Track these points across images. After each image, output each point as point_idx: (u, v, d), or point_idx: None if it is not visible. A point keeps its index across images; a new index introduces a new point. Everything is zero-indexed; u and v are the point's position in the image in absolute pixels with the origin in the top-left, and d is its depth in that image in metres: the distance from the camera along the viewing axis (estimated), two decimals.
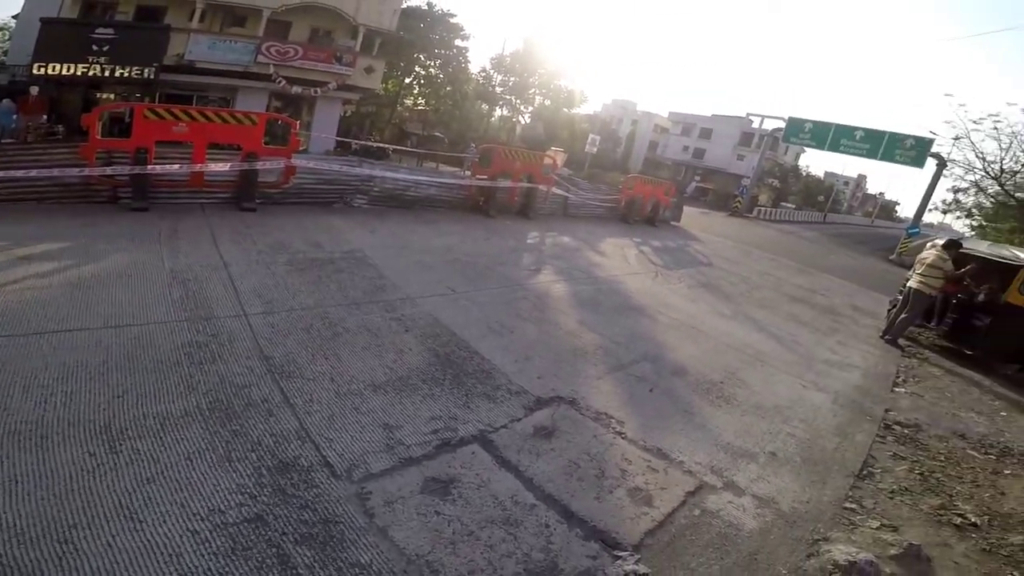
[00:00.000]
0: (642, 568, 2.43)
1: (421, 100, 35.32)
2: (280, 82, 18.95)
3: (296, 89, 19.43)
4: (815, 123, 27.67)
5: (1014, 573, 2.94)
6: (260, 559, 2.04)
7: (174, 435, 2.57)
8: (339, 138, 20.86)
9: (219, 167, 6.43)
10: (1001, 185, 22.67)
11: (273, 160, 6.96)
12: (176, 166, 6.14)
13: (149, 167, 5.89)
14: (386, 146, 22.51)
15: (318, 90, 19.96)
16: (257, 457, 2.55)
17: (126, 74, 15.99)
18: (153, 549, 1.98)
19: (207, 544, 2.04)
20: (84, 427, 2.51)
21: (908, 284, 7.76)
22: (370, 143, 22.10)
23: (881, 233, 49.13)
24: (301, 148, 13.53)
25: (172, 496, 2.22)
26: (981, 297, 7.72)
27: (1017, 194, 22.39)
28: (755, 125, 43.62)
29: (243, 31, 19.21)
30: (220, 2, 18.07)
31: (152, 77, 16.43)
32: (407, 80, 32.30)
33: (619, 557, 2.47)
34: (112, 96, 16.56)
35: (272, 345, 3.58)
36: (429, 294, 5.20)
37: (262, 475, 2.44)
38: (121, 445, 2.44)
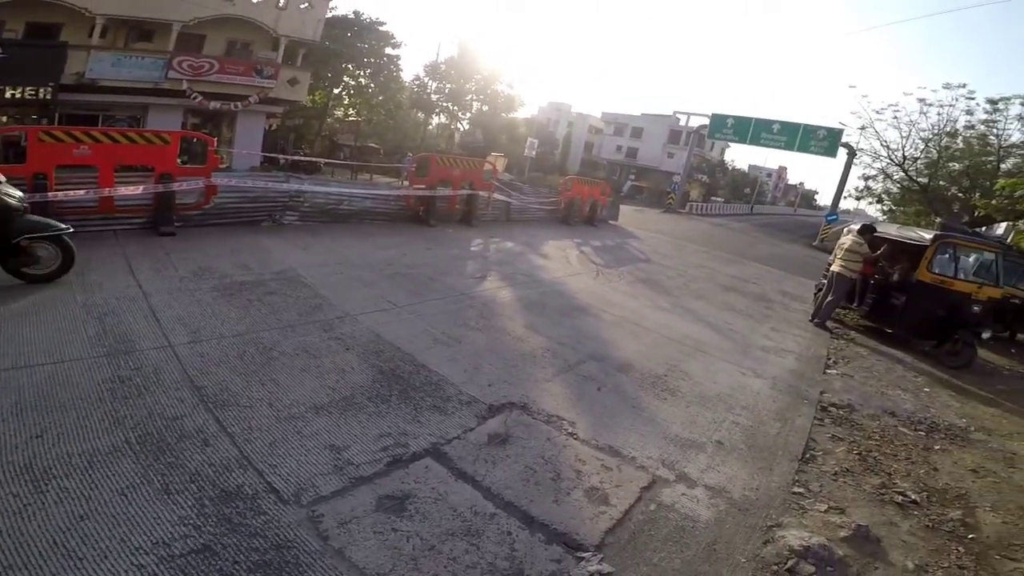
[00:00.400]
0: (606, 567, 2.46)
1: (352, 111, 34.59)
2: (196, 98, 18.06)
3: (214, 104, 18.59)
4: (736, 118, 29.09)
5: (959, 548, 3.11)
6: None
7: (104, 471, 2.43)
8: (265, 153, 20.09)
9: (130, 191, 6.00)
10: (905, 171, 24.59)
11: (191, 180, 6.57)
12: (81, 192, 5.69)
13: (50, 194, 5.40)
14: (317, 160, 21.87)
15: (238, 104, 19.17)
16: (197, 488, 2.43)
17: (18, 95, 14.78)
18: None
19: None
20: (1, 469, 2.34)
21: (831, 268, 8.26)
22: (299, 157, 21.43)
23: (803, 221, 52.07)
24: (223, 166, 12.99)
25: (110, 531, 2.12)
26: (895, 277, 8.31)
27: (919, 179, 24.32)
28: (682, 123, 45.33)
29: (151, 46, 18.15)
30: (123, 17, 16.99)
31: (49, 97, 15.27)
32: (336, 91, 31.55)
33: (582, 558, 2.49)
34: (4, 119, 15.27)
35: (203, 375, 3.41)
36: (370, 310, 5.08)
37: (204, 505, 2.34)
38: (47, 484, 2.30)
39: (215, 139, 8.06)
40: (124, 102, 17.42)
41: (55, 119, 15.45)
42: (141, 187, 6.14)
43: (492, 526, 2.57)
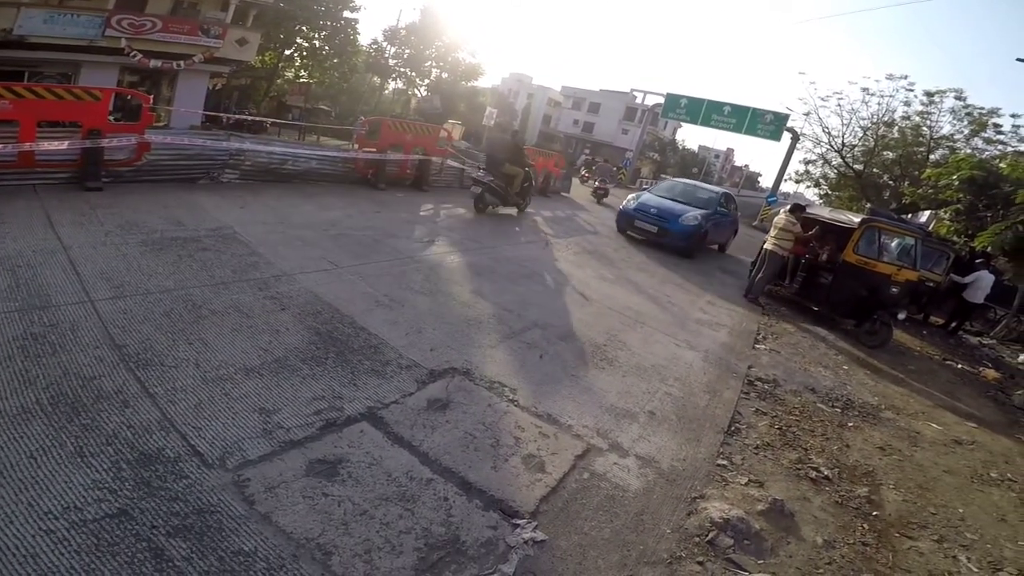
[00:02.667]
0: (540, 535, 2.49)
1: (304, 73, 33.10)
2: (135, 56, 16.92)
3: (155, 63, 17.49)
4: (690, 99, 29.42)
5: (864, 525, 3.30)
6: (130, 554, 1.89)
7: (11, 433, 2.28)
8: (207, 112, 19.10)
9: (54, 146, 5.65)
10: (842, 157, 25.66)
11: (122, 137, 6.23)
12: None
13: None
14: (263, 119, 20.89)
15: (181, 64, 18.11)
16: (114, 451, 2.31)
17: None
18: (3, 552, 1.79)
19: (66, 543, 1.87)
20: None
21: (764, 246, 8.59)
22: (243, 116, 20.42)
23: (746, 202, 53.26)
24: (159, 124, 12.22)
25: (17, 496, 2.00)
26: (824, 257, 8.73)
27: (855, 165, 25.45)
28: (638, 100, 45.61)
29: (87, 3, 16.75)
30: None
31: None
32: (288, 52, 30.07)
33: (518, 525, 2.52)
34: None
35: (125, 332, 3.22)
36: (310, 270, 4.91)
37: (122, 469, 2.23)
38: None
39: (151, 96, 7.63)
40: (55, 59, 16.20)
41: None
42: (66, 142, 5.79)
43: (428, 492, 2.57)
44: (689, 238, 10.72)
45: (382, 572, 2.10)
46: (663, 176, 51.48)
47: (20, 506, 1.97)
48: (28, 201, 5.15)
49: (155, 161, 6.77)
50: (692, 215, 10.91)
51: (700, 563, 2.63)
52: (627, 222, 11.44)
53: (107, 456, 2.28)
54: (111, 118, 6.53)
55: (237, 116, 19.95)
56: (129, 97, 9.02)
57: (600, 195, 18.90)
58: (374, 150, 9.84)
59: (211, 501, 2.20)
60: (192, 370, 3.02)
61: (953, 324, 11.47)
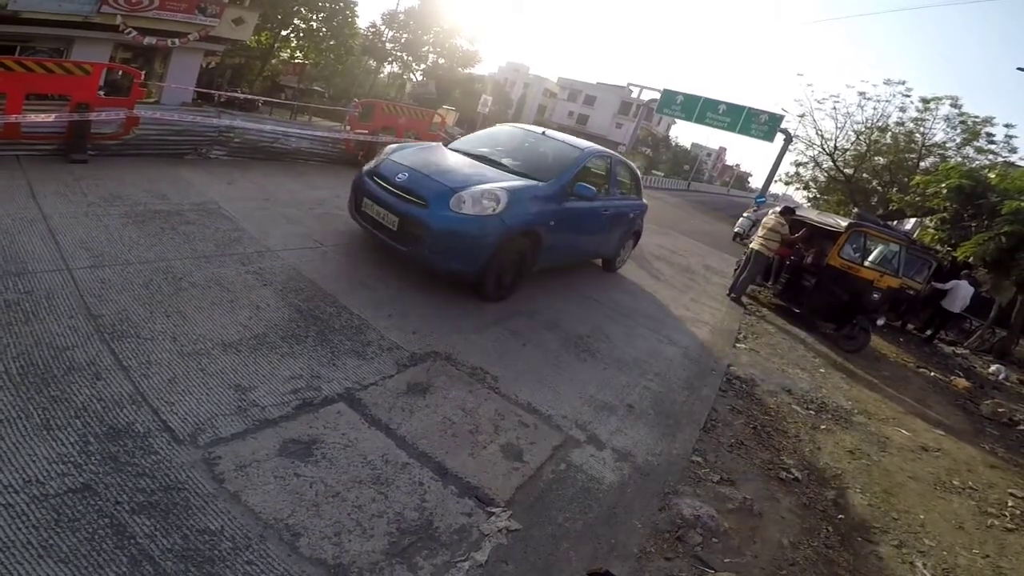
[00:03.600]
0: (514, 524, 2.50)
1: (299, 54, 32.70)
2: (130, 33, 16.64)
3: (149, 40, 17.23)
4: (686, 96, 29.42)
5: (828, 528, 3.36)
6: (90, 530, 1.86)
7: None
8: (199, 89, 18.85)
9: (41, 118, 5.59)
10: (834, 161, 25.79)
11: (110, 111, 6.15)
12: None
13: None
14: (255, 97, 20.63)
15: (176, 41, 17.87)
16: (82, 424, 2.27)
17: None
18: None
19: (24, 517, 1.84)
20: None
21: (750, 246, 8.64)
22: (235, 94, 20.15)
23: (735, 201, 53.96)
24: (150, 100, 12.00)
25: None
26: (808, 260, 8.80)
27: (846, 169, 25.60)
28: (634, 95, 45.59)
29: None
30: None
31: None
32: (284, 33, 29.66)
33: (492, 513, 2.52)
34: None
35: (101, 302, 3.16)
36: (294, 247, 4.84)
37: (89, 443, 2.19)
38: None
39: (143, 72, 7.50)
40: (47, 34, 15.85)
41: None
42: (53, 115, 5.72)
43: (403, 476, 2.56)
44: (458, 244, 4.45)
45: (351, 555, 2.09)
46: (653, 172, 51.74)
47: None
48: (10, 171, 5.02)
49: (143, 135, 6.67)
50: (480, 192, 4.54)
51: (668, 559, 2.65)
52: (355, 199, 5.11)
53: (74, 429, 2.24)
54: (101, 92, 6.44)
55: (229, 94, 19.68)
56: (120, 72, 8.83)
57: None
58: (366, 132, 9.74)
59: (179, 478, 2.17)
60: (168, 343, 2.97)
61: (929, 332, 11.64)
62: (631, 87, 42.79)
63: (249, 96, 20.82)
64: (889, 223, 14.58)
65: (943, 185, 13.23)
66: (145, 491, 2.07)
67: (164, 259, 3.93)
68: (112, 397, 2.47)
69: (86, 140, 6.02)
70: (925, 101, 21.69)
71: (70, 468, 2.07)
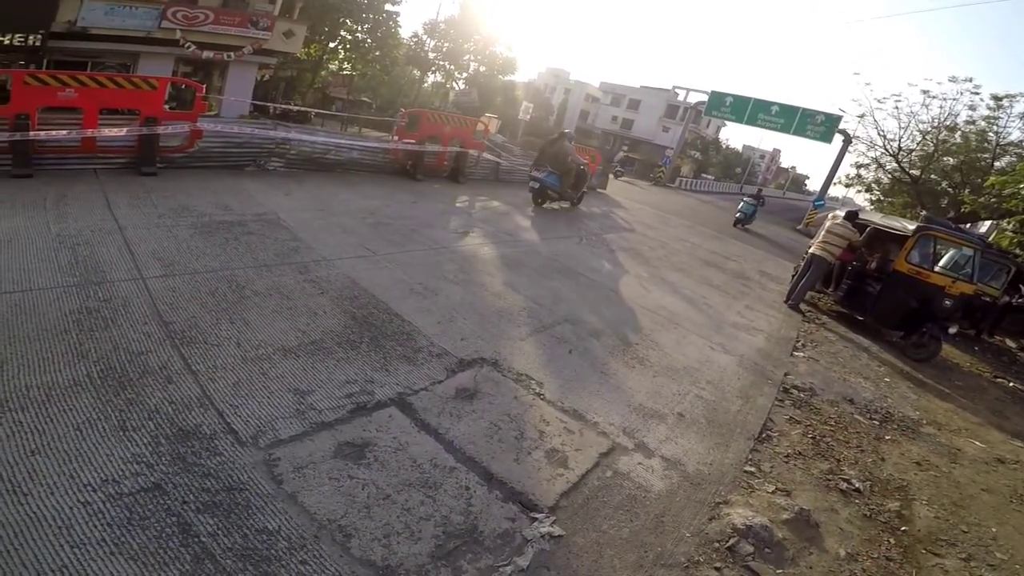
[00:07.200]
0: (557, 530, 2.49)
1: (347, 65, 33.80)
2: (189, 47, 17.72)
3: (207, 54, 18.29)
4: (735, 97, 28.73)
5: (890, 540, 3.18)
6: (159, 528, 1.96)
7: (61, 405, 2.40)
8: (255, 102, 19.79)
9: (114, 132, 6.02)
10: (898, 162, 24.58)
11: (176, 124, 6.54)
12: (64, 132, 5.67)
13: (31, 133, 5.40)
14: (308, 110, 21.45)
15: (231, 55, 18.86)
16: (155, 426, 2.42)
17: (7, 42, 14.49)
18: (40, 521, 1.88)
19: (100, 515, 1.95)
20: None
21: (810, 251, 8.31)
22: (290, 107, 21.02)
23: (791, 204, 52.22)
24: (211, 112, 12.66)
25: (60, 468, 2.10)
26: (873, 265, 8.39)
27: (912, 171, 24.35)
28: (680, 98, 44.75)
29: None
30: None
31: (38, 44, 14.99)
32: (332, 44, 30.77)
33: (536, 519, 2.52)
34: None
35: (172, 310, 3.37)
36: (348, 256, 5.03)
37: (160, 444, 2.33)
38: (1, 417, 2.26)
39: (204, 86, 7.96)
40: (115, 50, 17.06)
41: (43, 65, 15.07)
42: (125, 129, 6.15)
43: (451, 480, 2.60)
44: None
45: (399, 557, 2.13)
46: (704, 175, 50.65)
47: (62, 477, 2.06)
48: (89, 184, 5.45)
49: (206, 148, 7.07)
50: None
51: (717, 569, 2.58)
52: None
53: (147, 431, 2.39)
54: (166, 106, 6.85)
55: (283, 106, 20.56)
56: (183, 86, 9.37)
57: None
58: (413, 141, 9.96)
59: (241, 479, 2.27)
60: (233, 349, 3.14)
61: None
62: (677, 90, 42.07)
63: (302, 108, 21.64)
64: (961, 226, 13.74)
65: (1021, 186, 12.39)
66: (209, 491, 2.18)
67: (228, 268, 4.16)
68: (182, 400, 2.63)
69: (155, 153, 6.45)
70: (997, 99, 20.47)
71: (143, 468, 2.20)
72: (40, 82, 5.62)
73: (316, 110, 22.09)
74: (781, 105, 27.27)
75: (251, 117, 17.88)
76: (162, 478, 2.17)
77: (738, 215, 19.05)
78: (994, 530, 3.59)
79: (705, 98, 30.52)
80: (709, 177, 51.44)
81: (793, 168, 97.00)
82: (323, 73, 32.63)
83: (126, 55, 17.52)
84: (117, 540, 1.88)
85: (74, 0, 15.60)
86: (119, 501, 2.02)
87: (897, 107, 24.19)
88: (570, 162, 10.67)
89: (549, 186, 10.45)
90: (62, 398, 2.45)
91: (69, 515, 1.93)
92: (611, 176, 24.38)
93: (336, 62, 34.17)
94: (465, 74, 39.83)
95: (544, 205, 10.81)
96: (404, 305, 4.30)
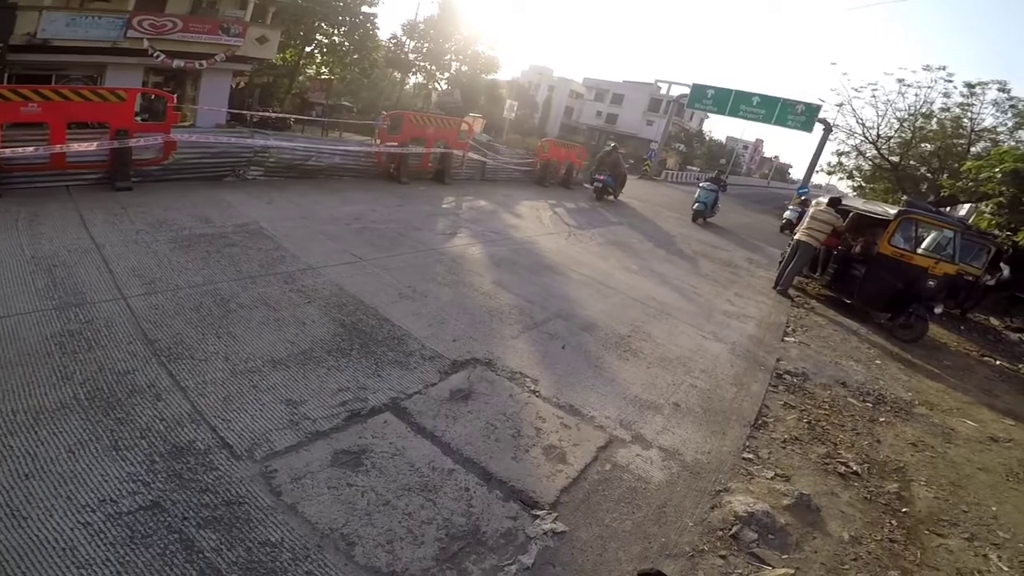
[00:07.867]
0: (560, 526, 2.49)
1: (324, 69, 33.48)
2: (158, 57, 17.29)
3: (178, 63, 17.85)
4: (717, 89, 28.89)
5: (892, 522, 3.22)
6: (162, 545, 1.95)
7: (50, 428, 2.36)
8: (232, 111, 19.48)
9: (83, 147, 5.81)
10: (877, 149, 24.91)
11: (148, 136, 6.38)
12: (31, 148, 5.46)
13: None
14: (287, 116, 21.24)
15: (203, 63, 18.46)
16: (148, 444, 2.38)
17: None
18: (43, 544, 1.86)
19: (102, 535, 1.93)
20: None
21: (796, 237, 8.40)
22: (267, 114, 20.78)
23: (775, 193, 52.61)
24: (185, 123, 12.47)
25: (56, 490, 2.07)
26: (857, 249, 8.50)
27: (891, 157, 24.68)
28: (663, 91, 45.05)
29: (108, 5, 17.07)
30: None
31: None
32: (308, 49, 30.43)
33: (537, 516, 2.52)
34: None
35: (156, 327, 3.31)
36: (334, 263, 4.97)
37: (155, 462, 2.30)
38: None
39: (175, 96, 7.79)
40: (80, 61, 16.57)
41: (3, 80, 14.61)
42: (95, 144, 5.94)
43: (450, 482, 2.59)
44: None
45: (404, 562, 2.12)
46: (689, 167, 50.89)
47: (59, 500, 2.04)
48: (62, 203, 5.31)
49: (182, 160, 6.91)
50: None
51: (723, 557, 2.59)
52: None
53: (141, 449, 2.35)
54: (137, 118, 6.70)
55: (261, 114, 20.30)
56: (153, 97, 9.14)
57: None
58: (396, 144, 9.89)
59: (240, 492, 2.25)
60: (221, 363, 3.09)
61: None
62: (659, 83, 42.40)
63: (280, 115, 21.42)
64: (941, 209, 13.96)
65: (997, 170, 12.63)
66: (209, 506, 2.15)
67: (212, 282, 4.09)
68: (173, 417, 2.59)
69: (129, 167, 6.24)
70: (970, 86, 20.81)
71: (139, 486, 2.17)
72: (1, 97, 5.39)
73: (295, 116, 21.88)
74: (762, 96, 27.47)
75: (228, 126, 17.64)
76: (160, 495, 2.15)
77: (696, 206, 15.01)
78: (994, 509, 3.63)
79: (687, 91, 30.68)
80: (694, 169, 51.71)
81: (776, 158, 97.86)
82: (301, 78, 32.31)
83: (92, 67, 17.07)
84: (122, 559, 1.87)
85: (32, 11, 15.11)
86: (119, 520, 2.01)
87: (874, 95, 24.54)
88: (621, 169, 15.36)
89: (608, 185, 14.56)
90: (51, 421, 2.40)
91: (71, 536, 1.91)
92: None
93: (313, 67, 33.79)
94: (447, 74, 39.60)
95: (603, 199, 14.70)
96: (394, 310, 4.27)
